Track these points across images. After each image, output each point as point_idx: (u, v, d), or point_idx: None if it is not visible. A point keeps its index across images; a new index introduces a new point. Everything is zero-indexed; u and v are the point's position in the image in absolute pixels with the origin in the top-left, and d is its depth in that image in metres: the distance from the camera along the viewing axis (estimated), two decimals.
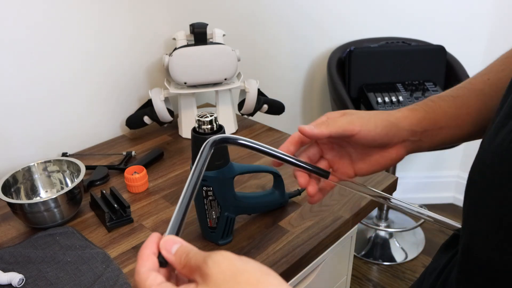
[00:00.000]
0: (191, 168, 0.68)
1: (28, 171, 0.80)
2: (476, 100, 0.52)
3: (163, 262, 0.35)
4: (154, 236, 0.36)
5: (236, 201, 0.69)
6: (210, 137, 0.63)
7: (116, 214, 0.76)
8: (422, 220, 1.88)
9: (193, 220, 0.76)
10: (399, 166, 2.01)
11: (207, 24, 1.02)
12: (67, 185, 0.83)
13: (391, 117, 0.52)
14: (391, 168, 1.79)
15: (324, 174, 0.50)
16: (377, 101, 1.51)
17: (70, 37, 0.95)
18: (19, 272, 0.64)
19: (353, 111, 0.53)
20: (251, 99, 1.05)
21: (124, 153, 0.97)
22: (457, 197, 2.08)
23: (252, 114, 1.10)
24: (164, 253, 0.35)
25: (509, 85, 0.43)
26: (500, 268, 0.36)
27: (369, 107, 1.53)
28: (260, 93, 1.09)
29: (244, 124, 1.12)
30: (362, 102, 1.59)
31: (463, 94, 0.53)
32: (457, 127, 0.53)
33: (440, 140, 0.53)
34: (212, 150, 0.43)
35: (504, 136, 0.38)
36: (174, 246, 0.35)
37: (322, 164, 0.55)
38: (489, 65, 0.55)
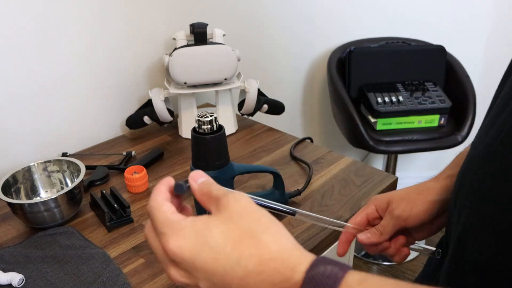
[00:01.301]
0: (191, 170, 0.67)
1: (28, 171, 0.80)
2: None
3: (182, 185, 0.38)
4: (169, 178, 0.39)
5: None
6: (210, 137, 0.63)
7: (116, 214, 0.76)
8: None
9: None
10: (399, 166, 2.01)
11: (207, 24, 1.02)
12: (67, 185, 0.83)
13: (431, 195, 0.53)
14: (391, 168, 1.79)
15: (291, 212, 0.50)
16: (377, 101, 1.51)
17: (70, 37, 0.95)
18: (19, 272, 0.64)
19: (395, 199, 0.53)
20: (251, 99, 1.05)
21: (124, 153, 0.97)
22: None
23: (252, 114, 1.10)
24: (191, 181, 0.38)
25: (498, 85, 0.45)
26: (491, 269, 0.36)
27: (369, 107, 1.53)
28: (260, 93, 1.08)
29: (244, 124, 1.12)
30: (362, 102, 1.59)
31: None
32: None
33: None
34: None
35: (494, 136, 0.38)
36: (200, 178, 0.38)
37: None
38: None
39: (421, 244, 0.57)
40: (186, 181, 0.38)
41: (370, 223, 0.56)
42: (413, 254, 1.80)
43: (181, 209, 0.39)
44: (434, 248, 0.57)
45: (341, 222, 0.54)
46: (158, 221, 0.35)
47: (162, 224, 0.35)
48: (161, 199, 0.37)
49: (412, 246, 0.57)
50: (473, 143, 0.45)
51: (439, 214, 0.53)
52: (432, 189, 0.53)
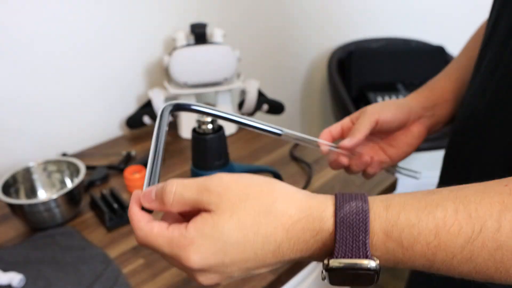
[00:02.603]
0: (191, 170, 0.67)
1: (27, 171, 0.80)
2: (466, 74, 0.59)
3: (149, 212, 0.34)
4: (136, 193, 0.35)
5: None
6: (210, 137, 0.63)
7: (116, 214, 0.75)
8: None
9: None
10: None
11: (207, 24, 1.02)
12: (66, 186, 0.83)
13: (401, 101, 0.58)
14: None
15: (277, 133, 0.50)
16: (377, 101, 1.51)
17: (70, 37, 0.95)
18: (19, 272, 0.64)
19: (367, 106, 0.57)
20: (251, 99, 1.05)
21: (124, 153, 0.97)
22: None
23: (252, 114, 1.10)
24: (146, 205, 0.34)
25: (480, 50, 0.51)
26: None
27: None
28: (260, 93, 1.08)
29: None
30: (362, 102, 1.59)
31: (454, 72, 0.61)
32: (459, 99, 0.60)
33: (450, 112, 0.60)
34: (170, 117, 0.43)
35: (495, 92, 0.45)
36: (152, 192, 0.34)
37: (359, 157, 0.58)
38: (469, 39, 0.63)
39: (405, 167, 0.61)
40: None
41: (345, 135, 0.58)
42: None
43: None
44: (417, 170, 0.63)
45: (323, 141, 0.56)
46: (160, 246, 0.32)
47: (168, 246, 0.32)
48: (144, 224, 0.33)
49: (396, 169, 0.61)
50: (470, 98, 0.51)
51: (412, 120, 0.57)
52: (403, 98, 0.60)
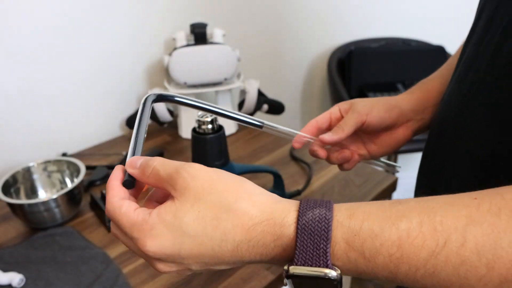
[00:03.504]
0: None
1: (28, 171, 0.80)
2: None
3: (130, 181, 0.35)
4: (118, 167, 0.36)
5: None
6: (210, 137, 0.63)
7: None
8: None
9: None
10: None
11: (207, 24, 1.02)
12: (66, 185, 0.83)
13: (392, 101, 0.57)
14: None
15: (258, 125, 0.50)
16: None
17: (69, 37, 0.95)
18: (19, 272, 0.64)
19: (358, 100, 0.56)
20: (251, 99, 1.05)
21: (124, 153, 0.97)
22: None
23: (252, 114, 1.10)
24: (130, 170, 0.35)
25: (464, 42, 0.50)
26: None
27: None
28: (260, 93, 1.08)
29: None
30: None
31: (447, 73, 0.58)
32: None
33: None
34: (151, 108, 0.43)
35: (468, 88, 0.44)
36: (138, 161, 0.35)
37: (341, 152, 0.58)
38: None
39: (384, 160, 0.61)
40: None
41: (333, 125, 0.57)
42: None
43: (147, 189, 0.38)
44: (397, 164, 0.63)
45: (304, 134, 0.55)
46: (123, 226, 0.33)
47: (130, 228, 0.33)
48: (117, 199, 0.34)
49: (376, 161, 0.60)
50: (447, 97, 0.49)
51: (400, 123, 0.56)
52: (394, 98, 0.58)
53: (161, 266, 0.33)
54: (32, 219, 0.73)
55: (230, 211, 0.31)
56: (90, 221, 0.78)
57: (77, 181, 0.76)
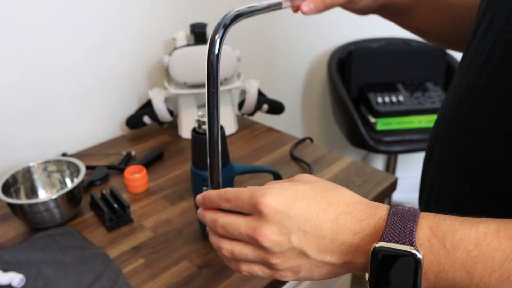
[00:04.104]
0: (191, 170, 0.67)
1: (27, 171, 0.80)
2: None
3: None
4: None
5: None
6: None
7: (116, 214, 0.75)
8: None
9: (193, 220, 0.76)
10: (399, 166, 2.01)
11: (207, 24, 1.02)
12: (66, 185, 0.83)
13: None
14: (391, 168, 1.79)
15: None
16: (377, 101, 1.51)
17: (69, 37, 0.95)
18: (19, 272, 0.64)
19: None
20: (251, 99, 1.05)
21: (124, 153, 0.97)
22: None
23: (252, 114, 1.10)
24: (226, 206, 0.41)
25: (465, 50, 0.51)
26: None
27: (369, 107, 1.52)
28: (260, 93, 1.08)
29: (244, 124, 1.12)
30: (362, 102, 1.59)
31: None
32: None
33: None
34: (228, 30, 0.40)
35: (461, 93, 0.47)
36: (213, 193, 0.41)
37: None
38: None
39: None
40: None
41: None
42: None
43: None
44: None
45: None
46: (242, 194, 0.38)
47: (250, 191, 0.38)
48: (220, 190, 0.41)
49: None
50: (443, 102, 0.53)
51: None
52: None
53: (266, 229, 0.36)
54: (32, 219, 0.73)
55: (336, 191, 0.38)
56: (90, 221, 0.78)
57: (77, 181, 0.76)
